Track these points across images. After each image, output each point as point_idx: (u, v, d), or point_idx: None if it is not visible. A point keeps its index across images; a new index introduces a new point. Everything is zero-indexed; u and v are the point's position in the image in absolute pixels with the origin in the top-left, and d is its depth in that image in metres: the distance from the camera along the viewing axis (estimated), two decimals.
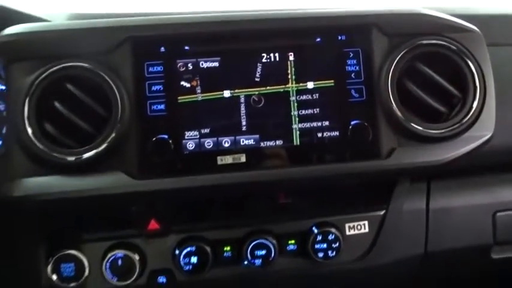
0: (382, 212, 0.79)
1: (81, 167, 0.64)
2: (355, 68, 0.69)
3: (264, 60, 0.68)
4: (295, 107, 0.68)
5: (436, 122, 0.70)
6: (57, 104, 0.64)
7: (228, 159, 0.67)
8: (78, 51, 0.65)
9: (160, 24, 0.68)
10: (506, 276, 1.07)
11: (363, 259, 0.79)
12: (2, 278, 0.77)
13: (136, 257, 0.72)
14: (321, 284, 0.84)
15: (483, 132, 0.71)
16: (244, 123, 0.68)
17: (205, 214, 0.76)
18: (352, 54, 0.70)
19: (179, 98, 0.67)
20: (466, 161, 0.71)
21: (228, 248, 0.75)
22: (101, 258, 0.72)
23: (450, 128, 0.70)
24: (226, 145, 0.67)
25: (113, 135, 0.64)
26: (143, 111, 0.66)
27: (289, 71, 0.69)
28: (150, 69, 0.67)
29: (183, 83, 0.67)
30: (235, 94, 0.68)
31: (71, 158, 0.63)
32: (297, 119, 0.68)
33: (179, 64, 0.67)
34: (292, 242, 0.76)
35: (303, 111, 0.68)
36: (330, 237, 0.75)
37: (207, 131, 0.67)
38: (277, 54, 0.69)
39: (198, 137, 0.67)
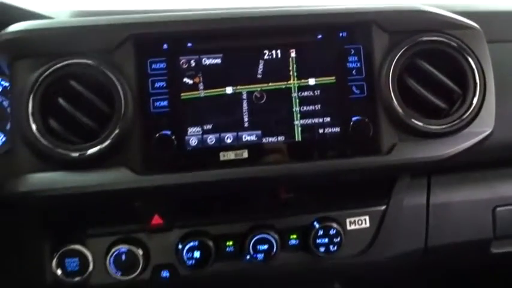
0: (383, 207, 0.80)
1: (85, 163, 0.64)
2: (356, 64, 0.70)
3: (266, 57, 0.69)
4: (297, 104, 0.69)
5: (436, 118, 0.70)
6: (61, 101, 0.65)
7: (230, 155, 0.68)
8: (81, 49, 0.66)
9: (163, 22, 0.68)
10: (505, 270, 1.08)
11: (363, 254, 0.80)
12: (8, 273, 0.77)
13: (140, 252, 0.73)
14: (323, 279, 0.85)
15: (483, 128, 0.71)
16: (246, 119, 0.68)
17: (207, 209, 0.76)
18: (353, 51, 0.70)
19: (182, 94, 0.67)
20: (466, 156, 0.71)
21: (231, 243, 0.75)
22: (105, 253, 0.73)
23: (450, 124, 0.70)
24: (229, 141, 0.68)
25: (117, 131, 0.64)
26: (146, 107, 0.66)
27: (290, 68, 0.69)
28: (153, 66, 0.67)
29: (185, 79, 0.68)
30: (237, 91, 0.68)
31: (75, 154, 0.64)
32: (298, 115, 0.69)
33: (182, 61, 0.68)
34: (294, 236, 0.77)
35: (305, 108, 0.69)
36: (331, 232, 0.76)
37: (209, 127, 0.68)
38: (279, 51, 0.69)
39: (200, 133, 0.67)
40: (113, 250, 0.72)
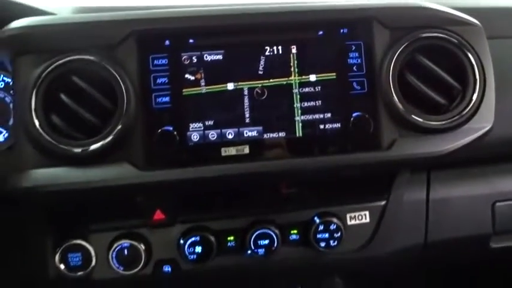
0: (383, 203, 0.81)
1: (87, 159, 0.65)
2: (357, 61, 0.70)
3: (267, 53, 0.69)
4: (298, 100, 0.69)
5: (436, 114, 0.71)
6: (63, 97, 0.65)
7: (231, 151, 0.68)
8: (84, 45, 0.66)
9: (165, 18, 0.68)
10: (504, 265, 1.08)
11: (364, 249, 0.80)
12: (11, 267, 0.78)
13: (142, 247, 0.73)
14: (323, 273, 0.86)
15: (482, 124, 0.72)
16: (247, 115, 0.69)
17: (209, 204, 0.77)
18: (354, 48, 0.70)
19: (184, 90, 0.68)
20: (466, 152, 0.72)
21: (232, 238, 0.76)
22: (108, 248, 0.73)
23: (450, 120, 0.70)
24: (230, 137, 0.68)
25: (119, 127, 0.65)
26: (148, 103, 0.67)
27: (292, 64, 0.69)
28: (155, 62, 0.67)
29: (187, 75, 0.68)
30: (238, 87, 0.69)
31: (78, 150, 0.64)
32: (299, 111, 0.69)
33: (184, 57, 0.68)
34: (295, 231, 0.77)
35: (306, 104, 0.69)
36: (332, 227, 0.76)
37: (211, 123, 0.68)
38: (280, 48, 0.69)
39: (202, 128, 0.68)
40: (115, 245, 0.73)
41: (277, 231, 0.75)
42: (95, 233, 0.74)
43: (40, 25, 0.67)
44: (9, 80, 0.75)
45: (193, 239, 0.73)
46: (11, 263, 0.78)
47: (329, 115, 0.70)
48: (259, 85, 0.69)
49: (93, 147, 0.64)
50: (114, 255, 0.73)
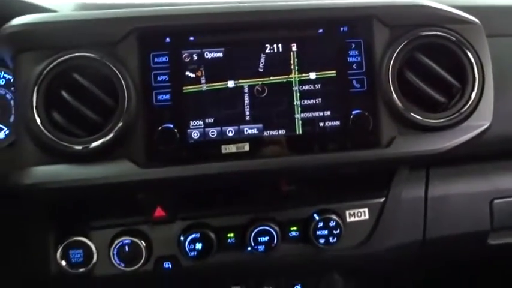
0: (382, 200, 0.81)
1: (88, 156, 0.65)
2: (357, 59, 0.70)
3: (267, 51, 0.69)
4: (298, 97, 0.70)
5: (435, 111, 0.71)
6: (64, 94, 0.65)
7: (232, 148, 0.68)
8: (85, 42, 0.66)
9: (166, 15, 0.69)
10: (502, 261, 1.09)
11: (362, 245, 0.81)
12: (13, 264, 0.78)
13: (143, 244, 0.73)
14: (322, 270, 0.86)
15: (481, 121, 0.72)
16: (247, 112, 0.69)
17: (209, 201, 0.77)
18: (353, 46, 0.70)
19: (184, 88, 0.68)
20: (465, 149, 0.72)
21: (232, 235, 0.77)
22: (109, 245, 0.73)
23: (449, 118, 0.71)
24: (230, 134, 0.69)
25: (120, 124, 0.65)
26: (149, 101, 0.67)
27: (292, 62, 0.70)
28: (156, 59, 0.67)
29: (188, 73, 0.68)
30: (239, 84, 0.69)
31: (79, 147, 0.64)
32: (299, 108, 0.70)
33: (184, 55, 0.68)
34: (294, 228, 0.78)
35: (305, 101, 0.70)
36: (331, 224, 0.77)
37: (211, 120, 0.68)
38: (280, 45, 0.69)
39: (202, 126, 0.68)
40: (116, 242, 0.73)
41: (277, 228, 0.76)
42: (96, 230, 0.75)
43: (41, 22, 0.67)
44: (10, 77, 0.76)
45: (193, 235, 0.74)
46: (12, 260, 0.78)
47: (329, 113, 0.70)
48: (260, 83, 0.69)
49: (94, 144, 0.65)
50: (115, 252, 0.73)
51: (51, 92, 0.65)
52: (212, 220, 0.76)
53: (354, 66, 0.70)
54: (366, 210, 0.80)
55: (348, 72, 0.70)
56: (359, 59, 0.71)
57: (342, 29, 0.71)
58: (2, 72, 0.76)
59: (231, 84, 0.69)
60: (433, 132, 0.71)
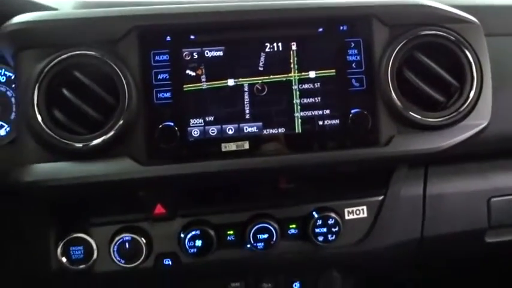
0: (381, 198, 0.82)
1: (89, 154, 0.65)
2: (356, 58, 0.71)
3: (267, 49, 0.70)
4: (297, 96, 0.70)
5: (434, 110, 0.72)
6: (65, 92, 0.65)
7: (231, 146, 0.69)
8: (86, 40, 0.66)
9: (167, 14, 0.69)
10: (499, 259, 1.10)
11: (361, 243, 0.81)
12: (14, 261, 0.79)
13: (143, 241, 0.74)
14: (321, 267, 0.87)
15: (479, 120, 0.73)
16: (247, 111, 0.69)
17: (209, 199, 0.78)
18: (353, 45, 0.71)
19: (185, 86, 0.68)
20: (463, 148, 0.73)
21: (232, 232, 0.77)
22: (109, 242, 0.74)
23: (447, 117, 0.71)
24: (230, 132, 0.69)
25: (121, 122, 0.65)
26: (150, 99, 0.67)
27: (291, 61, 0.70)
28: (157, 58, 0.68)
29: (188, 71, 0.68)
30: (239, 83, 0.69)
31: (79, 145, 0.65)
32: (298, 107, 0.70)
33: (185, 53, 0.68)
34: (294, 226, 0.78)
35: (305, 100, 0.70)
36: (330, 221, 0.77)
37: (211, 118, 0.69)
38: (280, 44, 0.70)
39: (202, 124, 0.68)
40: (117, 239, 0.73)
41: (276, 225, 0.76)
42: (97, 227, 0.75)
43: (42, 20, 0.67)
44: (11, 74, 0.76)
45: (193, 232, 0.74)
46: (13, 256, 0.79)
47: (328, 111, 0.70)
48: (259, 81, 0.70)
49: (95, 142, 0.65)
50: (115, 249, 0.74)
51: (52, 89, 0.65)
52: (212, 217, 0.77)
53: (353, 65, 0.71)
54: (365, 208, 0.81)
55: (348, 71, 0.71)
56: (358, 58, 0.71)
57: (341, 28, 0.71)
58: (3, 70, 0.76)
59: (231, 82, 0.69)
60: (432, 131, 0.71)
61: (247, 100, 0.69)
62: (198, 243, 0.74)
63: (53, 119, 0.65)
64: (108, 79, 0.66)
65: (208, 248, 0.75)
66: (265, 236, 0.76)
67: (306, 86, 0.70)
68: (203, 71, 0.69)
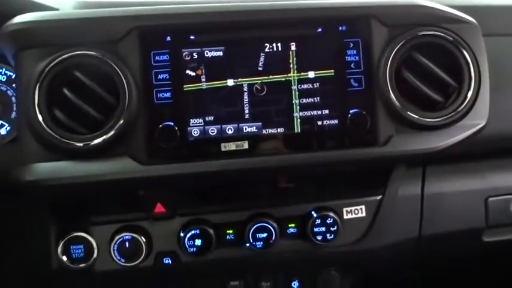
0: (379, 197, 0.82)
1: (90, 153, 0.66)
2: (355, 58, 0.71)
3: (266, 50, 0.70)
4: (297, 96, 0.70)
5: (432, 110, 0.72)
6: (66, 91, 0.66)
7: (231, 146, 0.69)
8: (86, 40, 0.67)
9: (167, 14, 0.69)
10: (496, 258, 1.10)
11: (359, 242, 0.82)
12: (15, 260, 0.79)
13: (143, 239, 0.74)
14: (320, 266, 0.87)
15: (477, 120, 0.73)
16: (247, 111, 0.70)
17: (209, 198, 0.78)
18: (352, 45, 0.71)
19: (184, 86, 0.69)
20: (461, 148, 0.73)
21: (231, 231, 0.77)
22: (109, 241, 0.74)
23: (445, 117, 0.72)
24: (230, 132, 0.69)
25: (121, 122, 0.65)
26: (150, 99, 0.68)
27: (291, 61, 0.70)
28: (157, 58, 0.68)
29: (188, 71, 0.69)
30: (238, 83, 0.70)
31: (80, 144, 0.65)
32: (298, 107, 0.70)
33: (185, 53, 0.69)
34: (292, 225, 0.79)
35: (304, 100, 0.70)
36: (329, 221, 0.78)
37: (211, 118, 0.69)
38: (279, 44, 0.70)
39: (202, 124, 0.69)
40: (117, 237, 0.74)
41: (275, 224, 0.76)
42: (97, 226, 0.75)
43: (43, 20, 0.67)
44: (12, 74, 0.76)
45: (193, 232, 0.75)
46: (13, 255, 0.79)
47: (327, 111, 0.71)
48: (259, 81, 0.70)
49: (95, 141, 0.65)
50: (115, 248, 0.74)
51: (53, 89, 0.66)
52: (211, 216, 0.77)
53: (352, 65, 0.71)
54: (363, 207, 0.81)
55: (346, 71, 0.71)
56: (357, 58, 0.71)
57: (340, 28, 0.71)
58: (4, 69, 0.76)
59: (230, 82, 0.69)
60: (430, 131, 0.72)
61: (247, 100, 0.70)
62: (198, 242, 0.75)
63: (53, 119, 0.65)
64: (109, 79, 0.66)
65: (207, 247, 0.75)
66: (264, 235, 0.76)
67: (305, 86, 0.70)
68: (203, 71, 0.69)
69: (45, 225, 0.75)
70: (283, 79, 0.70)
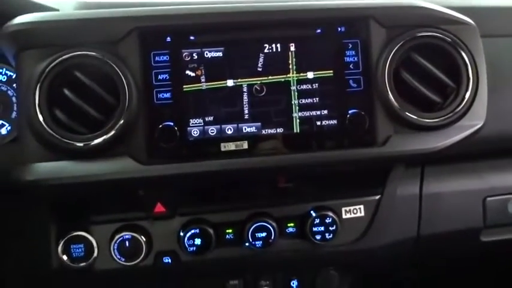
0: (378, 197, 0.82)
1: (90, 153, 0.66)
2: (354, 59, 0.71)
3: (266, 50, 0.70)
4: (296, 96, 0.71)
5: (430, 111, 0.72)
6: (66, 92, 0.66)
7: (231, 146, 0.70)
8: (87, 40, 0.67)
9: (167, 15, 0.69)
10: (493, 257, 1.11)
11: (358, 241, 0.82)
12: (15, 259, 0.79)
13: (143, 239, 0.75)
14: (319, 265, 0.88)
15: (475, 121, 0.73)
16: (246, 111, 0.70)
17: (208, 198, 0.79)
18: (351, 46, 0.72)
19: (184, 86, 0.69)
20: (459, 148, 0.73)
21: (230, 230, 0.78)
22: (109, 240, 0.75)
23: (444, 117, 0.72)
24: (230, 132, 0.70)
25: (121, 122, 0.66)
26: (150, 99, 0.68)
27: (290, 61, 0.71)
28: (157, 58, 0.68)
29: (188, 72, 0.69)
30: (238, 83, 0.70)
31: (80, 144, 0.65)
32: (297, 107, 0.71)
33: (184, 54, 0.69)
34: (292, 224, 0.79)
35: (303, 100, 0.71)
36: (327, 220, 0.78)
37: (211, 118, 0.69)
38: (279, 45, 0.70)
39: (202, 124, 0.69)
40: (117, 237, 0.74)
41: (274, 224, 0.77)
42: (97, 225, 0.76)
43: (44, 21, 0.67)
44: (12, 74, 0.76)
45: (192, 231, 0.75)
46: (14, 254, 0.79)
47: (326, 112, 0.71)
48: (258, 82, 0.70)
49: (96, 141, 0.66)
50: (115, 247, 0.74)
51: (53, 89, 0.66)
52: (211, 216, 0.77)
53: (351, 66, 0.72)
54: (362, 207, 0.82)
55: (345, 72, 0.71)
56: (356, 59, 0.72)
57: (339, 29, 0.72)
58: (4, 69, 0.77)
59: (230, 83, 0.70)
60: (428, 132, 0.72)
61: (246, 100, 0.70)
62: (197, 241, 0.75)
63: (54, 119, 0.66)
64: (109, 79, 0.67)
65: (207, 247, 0.75)
66: (264, 234, 0.76)
67: (304, 86, 0.71)
68: (203, 71, 0.69)
69: (45, 224, 0.76)
70: (283, 79, 0.71)
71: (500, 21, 0.88)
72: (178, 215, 0.77)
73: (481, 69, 0.73)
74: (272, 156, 0.70)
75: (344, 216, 0.81)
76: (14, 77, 0.76)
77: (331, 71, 0.71)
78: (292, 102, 0.71)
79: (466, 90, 0.73)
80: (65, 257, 0.74)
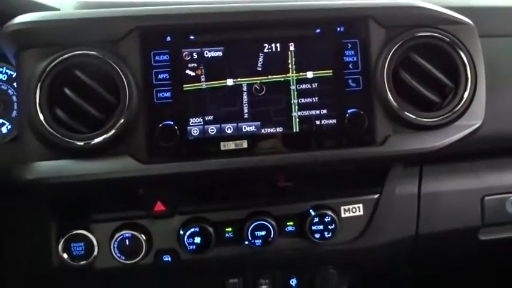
0: (376, 196, 0.83)
1: (90, 152, 0.66)
2: (353, 58, 0.72)
3: (265, 50, 0.71)
4: (295, 96, 0.71)
5: (429, 111, 0.73)
6: (67, 91, 0.66)
7: (230, 145, 0.70)
8: (87, 40, 0.67)
9: (167, 15, 0.70)
10: (492, 255, 1.11)
11: (357, 240, 0.82)
12: (16, 257, 0.80)
13: (143, 237, 0.75)
14: (318, 264, 0.88)
15: (473, 121, 0.74)
16: (246, 110, 0.70)
17: (208, 197, 0.79)
18: (350, 46, 0.72)
19: (184, 86, 0.69)
20: (457, 147, 0.74)
21: (230, 229, 0.78)
22: (109, 238, 0.75)
23: (442, 117, 0.72)
24: (229, 131, 0.70)
25: (121, 121, 0.66)
26: (150, 98, 0.68)
27: (289, 61, 0.71)
28: (157, 58, 0.69)
29: (188, 71, 0.69)
30: (238, 83, 0.70)
31: (81, 143, 0.66)
32: (296, 107, 0.71)
33: (184, 53, 0.69)
34: (291, 223, 0.80)
35: (303, 100, 0.71)
36: (326, 219, 0.78)
37: (210, 118, 0.70)
38: (278, 45, 0.71)
39: (202, 123, 0.69)
40: (117, 235, 0.74)
41: (273, 222, 0.77)
42: (97, 224, 0.76)
43: (44, 20, 0.68)
44: (12, 73, 0.77)
45: (192, 230, 0.75)
46: (14, 253, 0.79)
47: (325, 111, 0.71)
48: (258, 81, 0.71)
49: (96, 140, 0.66)
50: (115, 245, 0.75)
51: (54, 89, 0.66)
52: (211, 215, 0.78)
53: (350, 65, 0.72)
54: (361, 206, 0.82)
55: (344, 71, 0.72)
56: (355, 58, 0.72)
57: (338, 29, 0.72)
58: (4, 68, 0.77)
59: (230, 82, 0.70)
60: (427, 131, 0.73)
61: (246, 100, 0.70)
62: (197, 240, 0.75)
63: (54, 118, 0.66)
64: (109, 79, 0.67)
65: (207, 245, 0.76)
66: (263, 233, 0.77)
67: (303, 86, 0.71)
68: (203, 71, 0.70)
69: (45, 223, 0.76)
70: (282, 79, 0.71)
71: (498, 21, 0.89)
72: (178, 214, 0.77)
73: (479, 69, 0.74)
74: (271, 155, 0.71)
75: (343, 215, 0.81)
76: (14, 76, 0.76)
77: (331, 71, 0.72)
78: (292, 102, 0.71)
79: (465, 90, 0.73)
80: (65, 256, 0.74)
